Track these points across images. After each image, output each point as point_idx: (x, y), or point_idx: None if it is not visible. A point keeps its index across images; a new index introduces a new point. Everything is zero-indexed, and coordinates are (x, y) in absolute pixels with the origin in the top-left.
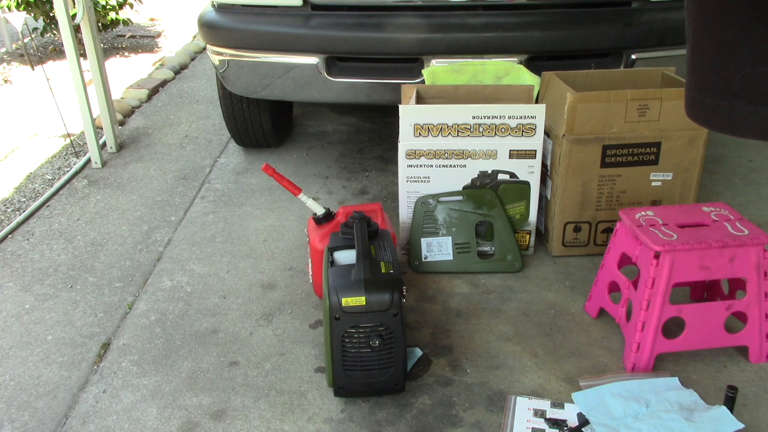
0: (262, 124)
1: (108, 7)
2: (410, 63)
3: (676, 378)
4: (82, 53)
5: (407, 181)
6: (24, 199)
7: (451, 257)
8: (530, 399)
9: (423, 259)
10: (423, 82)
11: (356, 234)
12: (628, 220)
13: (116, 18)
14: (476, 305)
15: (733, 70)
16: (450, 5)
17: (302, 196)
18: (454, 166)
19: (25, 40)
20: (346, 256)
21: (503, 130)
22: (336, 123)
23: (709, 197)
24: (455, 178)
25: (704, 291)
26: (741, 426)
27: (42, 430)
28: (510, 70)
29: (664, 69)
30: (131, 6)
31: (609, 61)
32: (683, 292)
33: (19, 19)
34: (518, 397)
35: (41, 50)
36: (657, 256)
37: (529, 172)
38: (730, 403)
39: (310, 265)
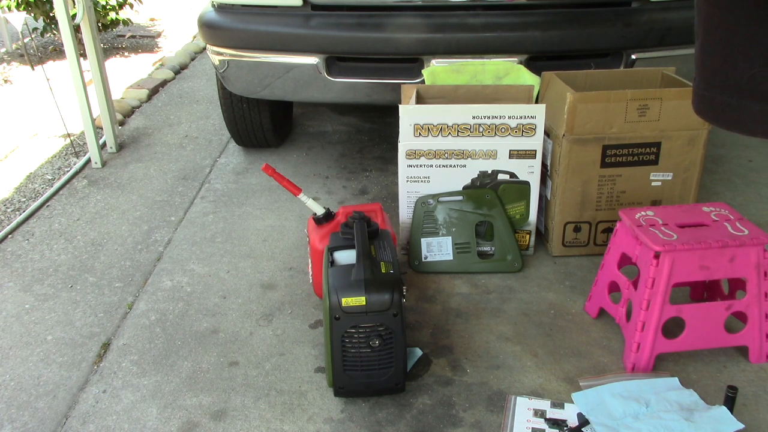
0: (262, 124)
1: (108, 7)
2: (410, 63)
3: (676, 378)
4: (82, 53)
5: (407, 181)
6: (24, 199)
7: (451, 257)
8: (530, 399)
9: (423, 259)
10: (423, 82)
11: (356, 234)
12: (628, 220)
13: (116, 18)
14: (476, 305)
15: (743, 68)
16: (450, 5)
17: (302, 196)
18: (454, 166)
19: (25, 40)
20: (346, 256)
21: (503, 130)
22: (336, 123)
23: (709, 197)
24: (455, 178)
25: (704, 291)
26: (741, 426)
27: (42, 430)
28: (510, 70)
29: (664, 69)
30: (131, 6)
31: (609, 61)
32: (683, 292)
33: (19, 19)
34: (518, 397)
35: (41, 50)
36: (657, 256)
37: (529, 172)
38: (730, 403)
39: (310, 265)
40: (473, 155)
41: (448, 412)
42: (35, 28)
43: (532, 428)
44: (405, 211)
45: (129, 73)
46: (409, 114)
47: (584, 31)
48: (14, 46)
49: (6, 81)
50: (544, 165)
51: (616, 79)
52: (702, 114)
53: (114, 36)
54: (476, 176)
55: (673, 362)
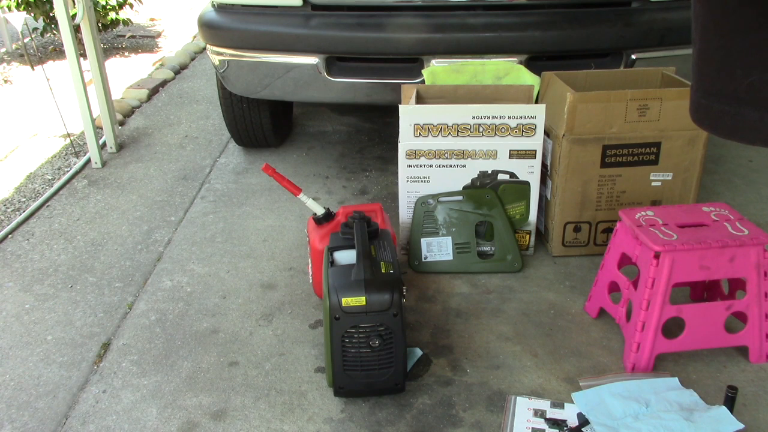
0: (262, 124)
1: (108, 7)
2: (410, 63)
3: (676, 378)
4: (82, 53)
5: (407, 181)
6: (24, 199)
7: (451, 257)
8: (530, 399)
9: (423, 259)
10: (423, 82)
11: (356, 234)
12: (628, 220)
13: (116, 18)
14: (476, 305)
15: (741, 76)
16: (450, 5)
17: (302, 196)
18: (454, 166)
19: (25, 40)
20: (346, 256)
21: (503, 130)
22: (336, 123)
23: (709, 197)
24: (455, 178)
25: (704, 291)
26: (741, 426)
27: (42, 430)
28: (510, 70)
29: (664, 69)
30: (131, 6)
31: (609, 61)
32: (683, 292)
33: (19, 19)
34: (518, 397)
35: (41, 50)
36: (657, 256)
37: (529, 172)
38: (730, 403)
39: (310, 265)
40: (473, 155)
41: (448, 412)
42: (35, 28)
43: (532, 428)
44: (405, 211)
45: (129, 73)
46: (409, 114)
47: (584, 31)
48: (14, 46)
49: (6, 81)
50: (544, 165)
51: (616, 79)
52: (699, 122)
53: (114, 36)
54: (476, 176)
55: (673, 362)
